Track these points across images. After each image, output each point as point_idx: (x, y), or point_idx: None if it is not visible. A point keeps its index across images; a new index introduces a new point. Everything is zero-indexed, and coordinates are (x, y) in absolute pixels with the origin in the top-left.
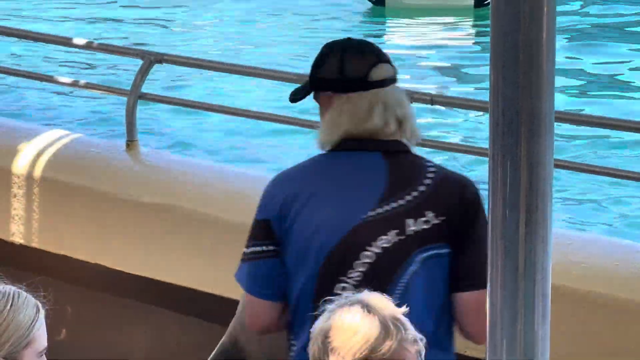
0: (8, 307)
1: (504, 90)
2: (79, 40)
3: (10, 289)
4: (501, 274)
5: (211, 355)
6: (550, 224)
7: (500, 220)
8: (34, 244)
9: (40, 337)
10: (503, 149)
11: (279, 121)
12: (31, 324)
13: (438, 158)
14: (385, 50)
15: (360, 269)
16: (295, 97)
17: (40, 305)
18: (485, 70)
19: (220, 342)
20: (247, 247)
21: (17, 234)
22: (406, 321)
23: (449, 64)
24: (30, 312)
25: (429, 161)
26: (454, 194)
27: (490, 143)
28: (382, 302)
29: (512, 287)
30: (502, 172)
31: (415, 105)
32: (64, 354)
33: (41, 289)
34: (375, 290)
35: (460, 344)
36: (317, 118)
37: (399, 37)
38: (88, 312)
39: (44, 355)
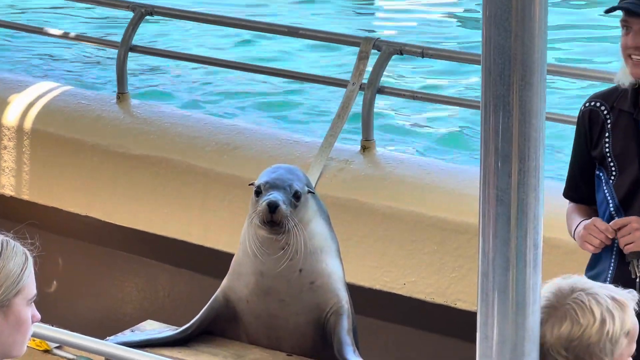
0: None
1: (497, 38)
2: None
3: None
4: (493, 223)
5: (203, 309)
6: (543, 173)
7: (492, 169)
8: (25, 196)
9: (30, 284)
10: (495, 97)
11: (271, 74)
12: (21, 271)
13: (430, 114)
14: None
15: None
16: None
17: (28, 252)
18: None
19: (214, 296)
20: None
21: (7, 187)
22: None
23: (442, 16)
24: (20, 260)
25: None
26: None
27: (482, 91)
28: None
29: (504, 236)
30: (494, 121)
31: (405, 57)
32: (56, 304)
33: (27, 236)
34: None
35: (450, 297)
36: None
37: None
38: (79, 263)
39: (33, 303)
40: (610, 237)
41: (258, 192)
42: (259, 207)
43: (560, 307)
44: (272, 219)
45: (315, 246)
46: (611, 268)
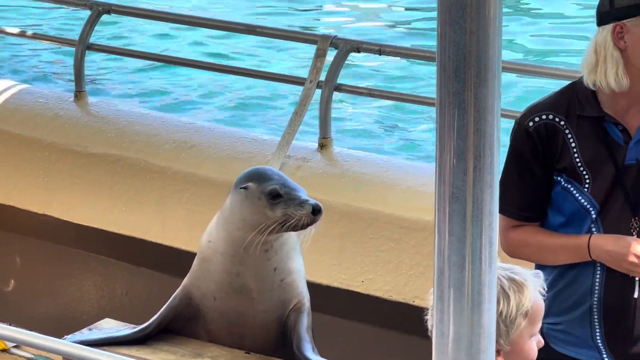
0: None
1: (451, 34)
2: None
3: None
4: (449, 220)
5: (163, 307)
6: (498, 170)
7: (447, 165)
8: None
9: None
10: (450, 95)
11: (229, 72)
12: None
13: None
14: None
15: None
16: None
17: None
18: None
19: (174, 295)
20: None
21: None
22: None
23: (398, 14)
24: None
25: None
26: None
27: (438, 88)
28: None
29: (460, 234)
30: (449, 118)
31: (363, 55)
32: (13, 304)
33: None
34: None
35: (408, 295)
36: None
37: None
38: (36, 262)
39: None
40: None
41: (275, 196)
42: (300, 212)
43: None
44: (314, 221)
45: (288, 244)
46: (597, 283)
